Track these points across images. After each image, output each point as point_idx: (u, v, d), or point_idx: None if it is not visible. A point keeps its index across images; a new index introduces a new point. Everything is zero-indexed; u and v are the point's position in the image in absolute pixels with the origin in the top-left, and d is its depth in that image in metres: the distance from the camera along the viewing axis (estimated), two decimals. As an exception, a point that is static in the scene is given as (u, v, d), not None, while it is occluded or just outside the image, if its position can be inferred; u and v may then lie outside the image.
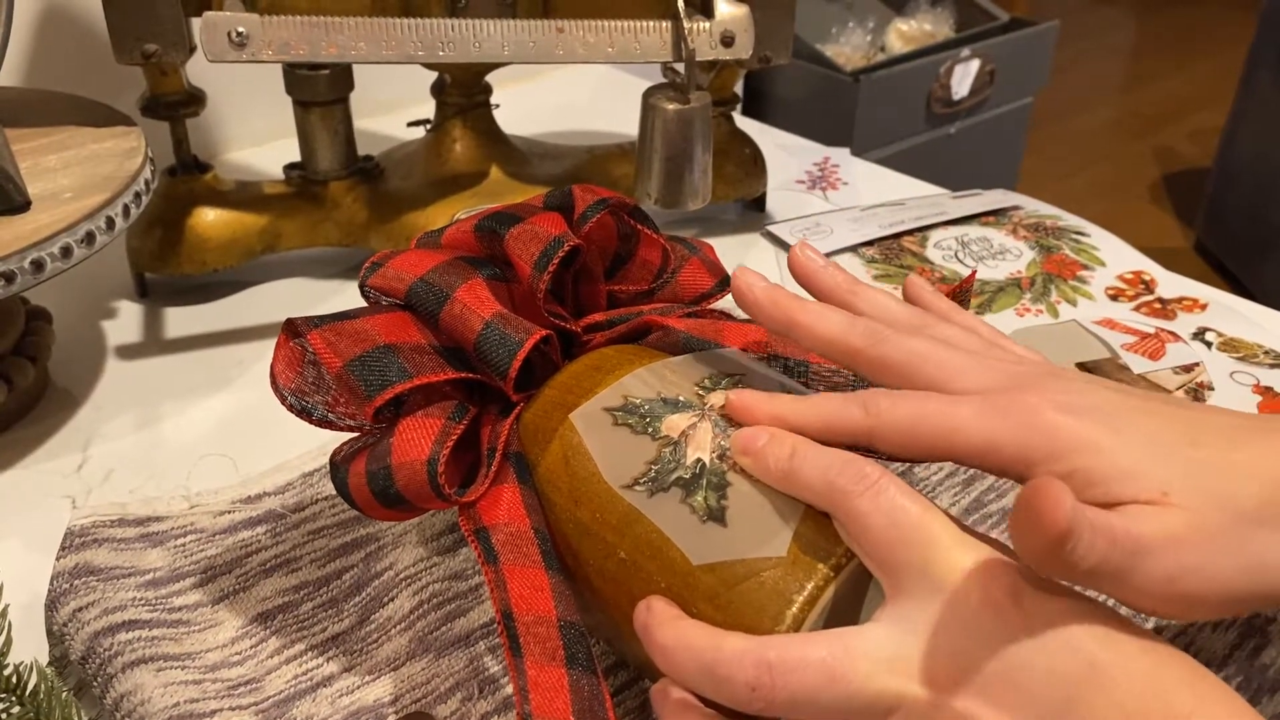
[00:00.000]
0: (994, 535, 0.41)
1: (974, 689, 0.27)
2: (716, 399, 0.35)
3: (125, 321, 0.63)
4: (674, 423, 0.34)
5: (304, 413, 0.37)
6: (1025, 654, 0.27)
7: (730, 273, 0.39)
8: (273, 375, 0.37)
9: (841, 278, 0.38)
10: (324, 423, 0.37)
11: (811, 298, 0.37)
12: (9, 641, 0.35)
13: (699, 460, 0.33)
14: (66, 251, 0.47)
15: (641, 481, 0.33)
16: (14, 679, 0.34)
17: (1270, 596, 0.29)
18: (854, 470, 0.30)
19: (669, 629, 0.31)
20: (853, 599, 0.31)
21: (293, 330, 0.36)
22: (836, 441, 0.33)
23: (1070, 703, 0.27)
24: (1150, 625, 0.41)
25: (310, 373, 0.37)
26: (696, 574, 0.32)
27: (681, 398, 0.35)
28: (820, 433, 0.33)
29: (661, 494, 0.33)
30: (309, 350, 0.36)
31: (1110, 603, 0.33)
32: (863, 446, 0.33)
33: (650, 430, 0.34)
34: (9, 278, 0.45)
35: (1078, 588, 0.29)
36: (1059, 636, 0.27)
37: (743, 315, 0.42)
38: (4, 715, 0.34)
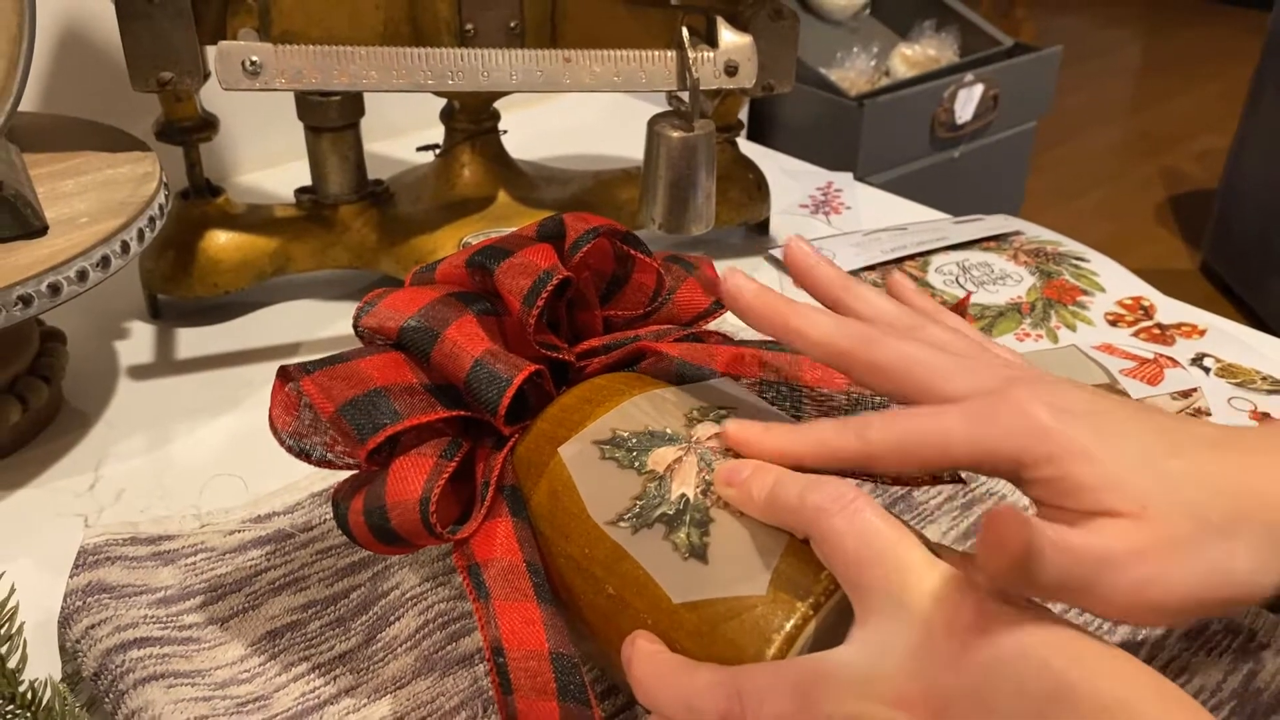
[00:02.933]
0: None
1: (943, 711, 0.28)
2: (703, 431, 0.36)
3: (138, 342, 0.64)
4: (660, 456, 0.35)
5: (303, 454, 0.38)
6: (993, 675, 0.28)
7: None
8: (271, 420, 0.38)
9: (834, 274, 0.38)
10: (323, 462, 0.38)
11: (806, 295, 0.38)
12: (24, 658, 0.35)
13: (683, 495, 0.33)
14: (82, 275, 0.48)
15: (626, 518, 0.34)
16: (29, 694, 0.34)
17: (1233, 601, 0.31)
18: (831, 490, 0.31)
19: (647, 663, 0.31)
20: (833, 634, 0.31)
21: (286, 376, 0.37)
22: (834, 470, 0.33)
23: None
24: (1125, 636, 0.42)
25: (307, 415, 0.38)
26: (680, 612, 0.32)
27: (669, 430, 0.35)
28: (818, 462, 0.33)
29: (645, 530, 0.33)
30: (303, 395, 0.37)
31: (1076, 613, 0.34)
32: (863, 472, 0.33)
33: (636, 464, 0.35)
34: (27, 300, 0.46)
35: (1049, 604, 0.30)
36: (1027, 656, 0.28)
37: (738, 336, 0.43)
38: (18, 731, 0.34)
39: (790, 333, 0.35)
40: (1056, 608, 0.43)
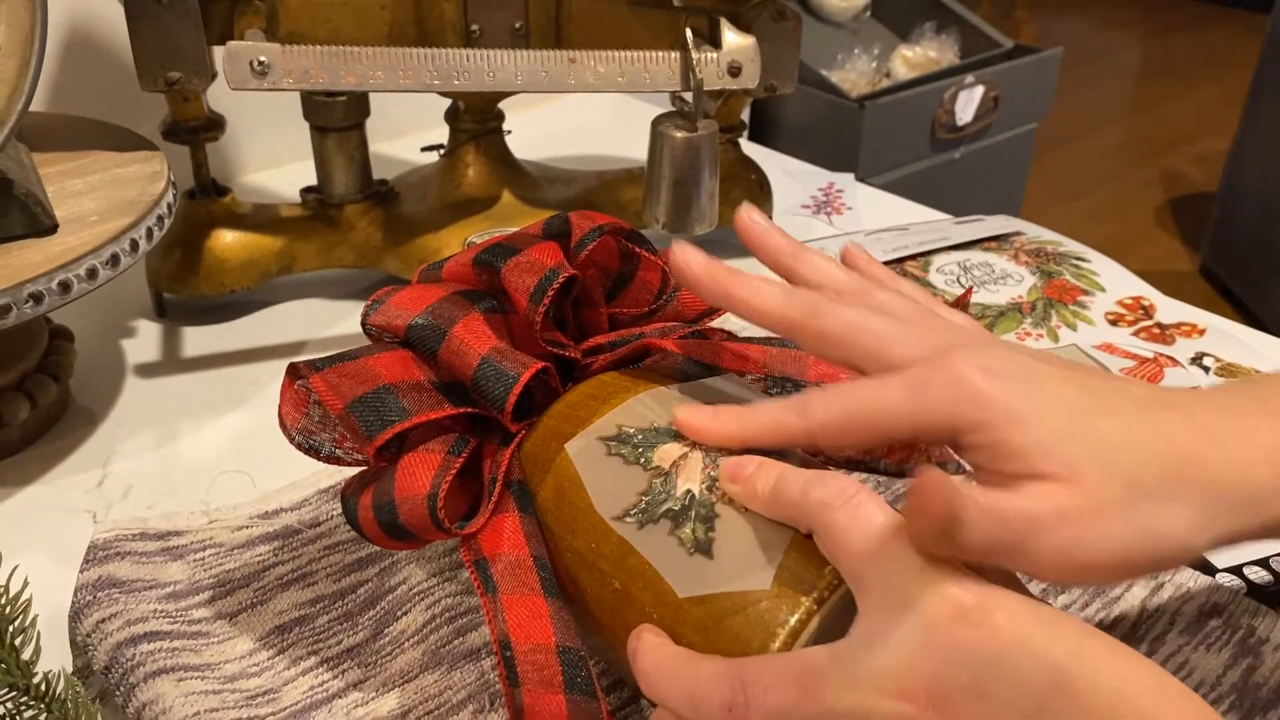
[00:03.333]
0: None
1: (944, 703, 0.28)
2: None
3: (144, 341, 0.64)
4: (666, 453, 0.35)
5: (312, 450, 0.39)
6: (994, 667, 0.28)
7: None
8: (280, 417, 0.38)
9: (784, 242, 0.38)
10: (332, 459, 0.39)
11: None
12: (37, 650, 0.36)
13: (689, 491, 0.34)
14: (92, 273, 0.49)
15: (632, 513, 0.34)
16: (42, 686, 0.35)
17: (1161, 561, 0.31)
18: (834, 486, 0.31)
19: (651, 655, 0.32)
20: (837, 628, 0.31)
21: (296, 373, 0.38)
22: (782, 447, 0.34)
23: (1040, 713, 0.27)
24: (1125, 631, 0.42)
25: (316, 412, 0.38)
26: (685, 606, 0.32)
27: (674, 427, 0.36)
28: (765, 442, 0.34)
29: (651, 526, 0.34)
30: (313, 392, 0.37)
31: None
32: (809, 450, 0.34)
33: (642, 461, 0.35)
34: (38, 298, 0.47)
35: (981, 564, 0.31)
36: (1027, 647, 0.28)
37: (742, 334, 0.43)
38: (32, 722, 0.35)
39: (736, 303, 0.36)
40: (1059, 599, 0.43)
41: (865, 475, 0.42)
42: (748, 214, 0.39)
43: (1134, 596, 0.44)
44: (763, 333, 0.39)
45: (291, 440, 0.38)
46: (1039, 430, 0.31)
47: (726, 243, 0.75)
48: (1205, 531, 0.31)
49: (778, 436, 0.34)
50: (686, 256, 0.37)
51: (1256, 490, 0.31)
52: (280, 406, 0.38)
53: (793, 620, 0.31)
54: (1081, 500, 0.30)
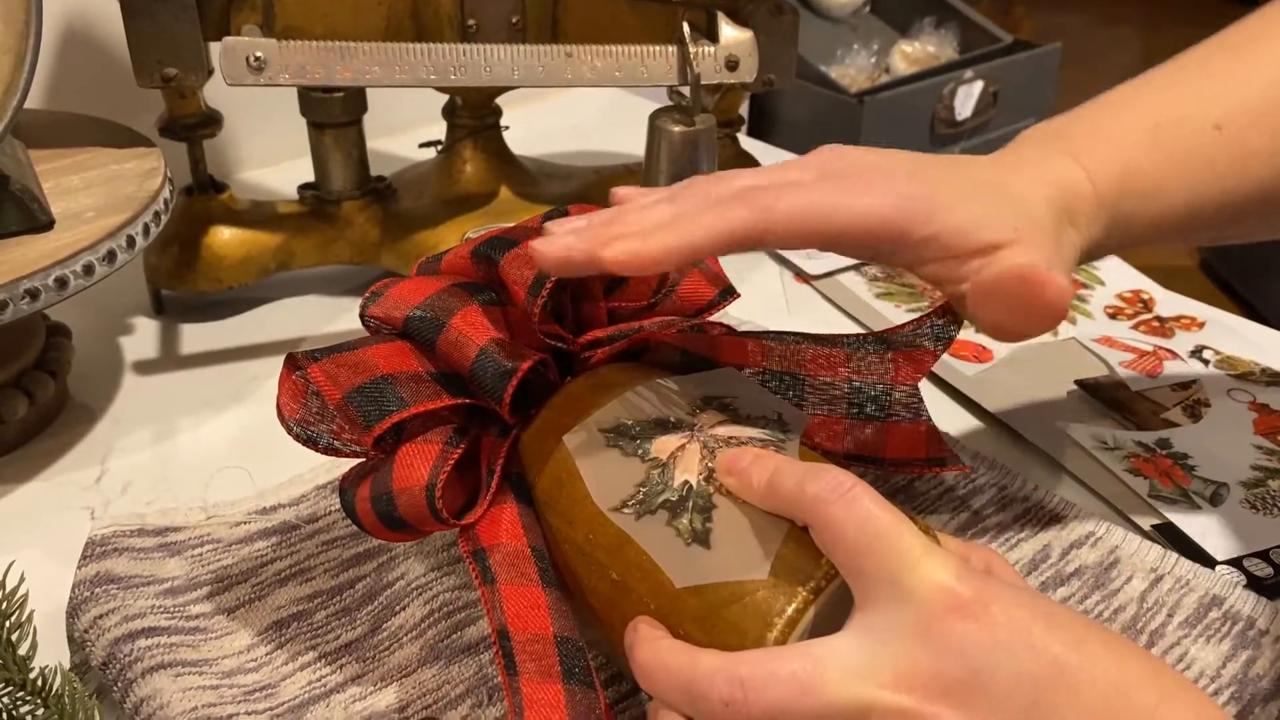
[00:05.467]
0: (993, 546, 0.42)
1: (942, 695, 0.28)
2: (707, 420, 0.36)
3: (142, 337, 0.64)
4: (663, 444, 0.35)
5: (310, 442, 0.39)
6: (992, 658, 0.28)
7: (723, 279, 0.42)
8: (279, 408, 0.38)
9: (594, 221, 0.35)
10: (330, 450, 0.39)
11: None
12: (34, 646, 0.36)
13: (686, 483, 0.34)
14: (89, 269, 0.49)
15: (629, 504, 0.34)
16: (39, 682, 0.35)
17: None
18: (830, 479, 0.31)
19: (648, 648, 0.32)
20: (834, 618, 0.31)
21: (294, 364, 0.38)
22: (737, 249, 0.34)
23: (1037, 705, 0.27)
24: (1124, 623, 0.42)
25: (314, 403, 0.38)
26: (682, 596, 0.32)
27: (672, 419, 0.36)
28: (712, 247, 0.34)
29: (649, 516, 0.34)
30: (311, 383, 0.37)
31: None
32: (755, 242, 0.34)
33: (640, 452, 0.35)
34: (34, 294, 0.47)
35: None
36: (1025, 640, 0.28)
37: (740, 328, 0.43)
38: (29, 718, 0.35)
39: (643, 242, 0.33)
40: (1058, 592, 0.43)
41: (861, 471, 0.42)
42: (545, 244, 0.34)
43: (1133, 589, 0.44)
44: (760, 328, 0.39)
45: (290, 431, 0.38)
46: (968, 208, 0.37)
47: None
48: (1081, 243, 0.39)
49: (729, 234, 0.34)
50: (542, 251, 0.33)
51: (1106, 199, 0.40)
52: (278, 398, 0.38)
53: (789, 610, 0.31)
54: (1036, 255, 0.36)
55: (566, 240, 0.33)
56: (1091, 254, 0.41)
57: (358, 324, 0.40)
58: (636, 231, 0.33)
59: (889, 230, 0.36)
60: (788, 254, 0.71)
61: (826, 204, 0.35)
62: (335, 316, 0.66)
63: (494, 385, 0.36)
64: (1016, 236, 0.36)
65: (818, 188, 0.36)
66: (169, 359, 0.63)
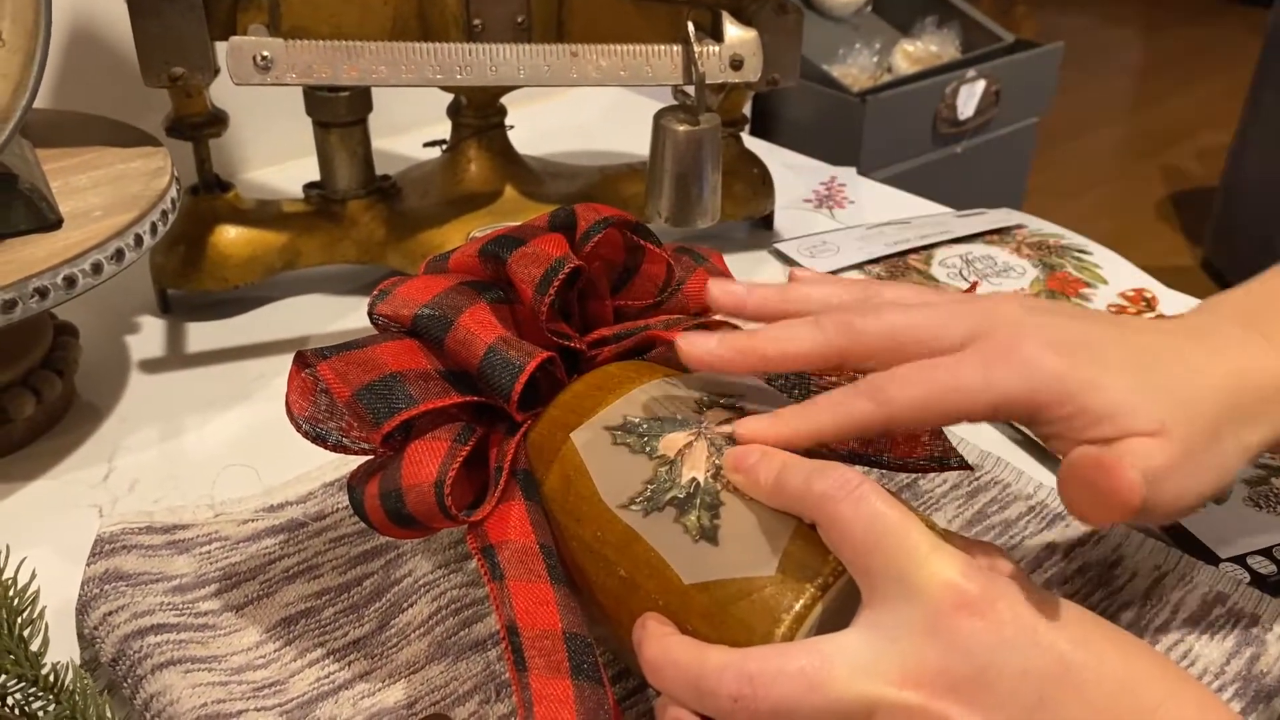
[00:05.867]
0: (998, 544, 0.42)
1: (949, 691, 0.28)
2: (713, 417, 0.36)
3: (148, 336, 0.65)
4: (671, 442, 0.35)
5: (319, 439, 0.39)
6: (998, 655, 0.28)
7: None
8: (288, 405, 0.38)
9: (766, 293, 0.38)
10: (339, 447, 0.39)
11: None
12: (46, 642, 0.36)
13: (694, 480, 0.34)
14: (97, 268, 0.49)
15: (637, 501, 0.34)
16: (51, 677, 0.35)
17: (1228, 487, 0.37)
18: (836, 476, 0.31)
19: (657, 645, 0.32)
20: (841, 614, 0.32)
21: (303, 361, 0.38)
22: (854, 437, 0.35)
23: (1043, 701, 0.28)
24: (1129, 619, 0.42)
25: (323, 401, 0.38)
26: (690, 593, 0.33)
27: (679, 416, 0.36)
28: (835, 435, 0.34)
29: (656, 514, 0.34)
30: (320, 380, 0.37)
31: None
32: (882, 435, 0.34)
33: (648, 449, 0.35)
34: (43, 293, 0.47)
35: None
36: (1031, 637, 0.28)
37: (746, 328, 0.43)
38: (41, 713, 0.35)
39: (773, 361, 0.36)
40: (1062, 589, 0.43)
41: (866, 470, 0.42)
42: (716, 289, 0.38)
43: (1136, 587, 0.44)
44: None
45: (299, 429, 0.38)
46: (1117, 393, 0.33)
47: (728, 237, 0.76)
48: (1252, 452, 0.35)
49: (852, 425, 0.34)
50: (704, 348, 0.36)
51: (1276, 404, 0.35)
52: (288, 395, 0.38)
53: (797, 606, 0.31)
54: (1178, 450, 0.33)
55: (710, 347, 0.36)
56: (1268, 450, 0.36)
57: (363, 323, 0.41)
58: (775, 356, 0.35)
59: (1017, 412, 0.34)
60: (791, 254, 0.72)
61: (950, 390, 0.33)
62: (341, 315, 0.67)
63: (502, 383, 0.36)
64: (1161, 429, 0.33)
65: (945, 368, 0.33)
66: (175, 358, 0.63)
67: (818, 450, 0.38)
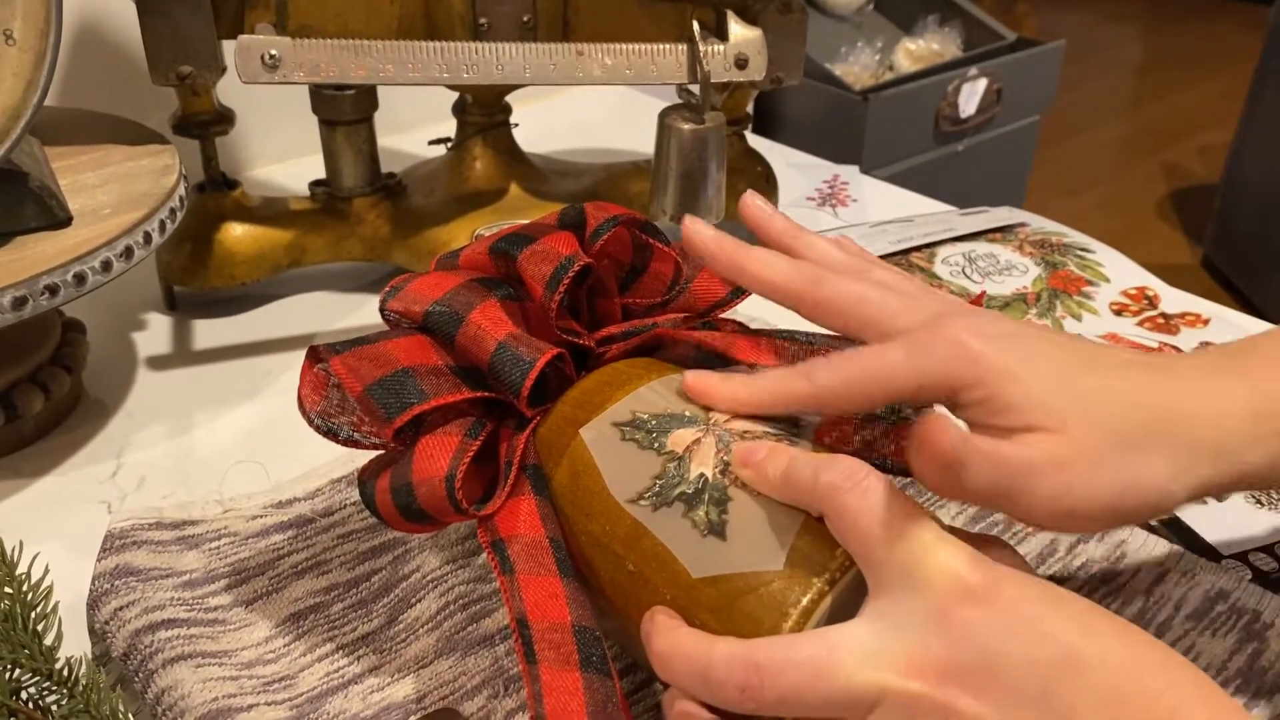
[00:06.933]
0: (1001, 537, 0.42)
1: (955, 680, 0.29)
2: (721, 414, 0.36)
3: (155, 334, 0.65)
4: (679, 437, 0.35)
5: (331, 434, 0.39)
6: (1004, 644, 0.29)
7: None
8: (300, 400, 0.39)
9: (786, 224, 0.40)
10: (350, 442, 0.39)
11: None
12: (59, 637, 0.36)
13: (702, 475, 0.34)
14: (106, 265, 0.49)
15: (646, 496, 0.35)
16: (65, 672, 0.35)
17: (1147, 510, 0.34)
18: (844, 468, 0.32)
19: (665, 637, 0.32)
20: (849, 608, 0.32)
21: (316, 356, 0.38)
22: (789, 412, 0.36)
23: (1048, 689, 0.28)
24: (1133, 615, 0.43)
25: (335, 395, 0.39)
26: (698, 587, 0.33)
27: (687, 413, 0.36)
28: (772, 407, 0.36)
29: (665, 508, 0.34)
30: (332, 375, 0.38)
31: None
32: (813, 411, 0.36)
33: (656, 445, 0.36)
34: (53, 290, 0.47)
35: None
36: (1036, 626, 0.29)
37: (753, 325, 0.43)
38: (55, 708, 0.35)
39: (745, 274, 0.38)
40: (1065, 585, 0.44)
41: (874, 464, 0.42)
42: (751, 199, 0.41)
43: (1139, 583, 0.45)
44: (775, 323, 0.39)
45: (310, 423, 0.38)
46: (1030, 385, 0.33)
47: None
48: (1184, 481, 0.33)
49: (785, 400, 0.36)
50: (697, 229, 0.39)
51: (1231, 442, 0.34)
52: (300, 389, 0.38)
53: (805, 600, 0.31)
54: (1071, 449, 0.32)
55: (706, 235, 0.39)
56: (1200, 494, 0.34)
57: (369, 320, 0.41)
58: (749, 272, 0.38)
59: (938, 393, 0.34)
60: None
61: (874, 372, 0.34)
62: (347, 312, 0.67)
63: (512, 379, 0.36)
64: (1061, 428, 0.33)
65: (871, 353, 0.35)
66: (182, 355, 0.63)
67: (825, 449, 0.38)
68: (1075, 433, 0.33)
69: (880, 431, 0.42)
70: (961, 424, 0.33)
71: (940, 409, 0.35)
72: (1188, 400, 0.34)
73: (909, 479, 0.50)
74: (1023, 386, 0.33)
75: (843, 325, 0.37)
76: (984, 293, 0.60)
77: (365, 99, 0.65)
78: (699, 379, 0.37)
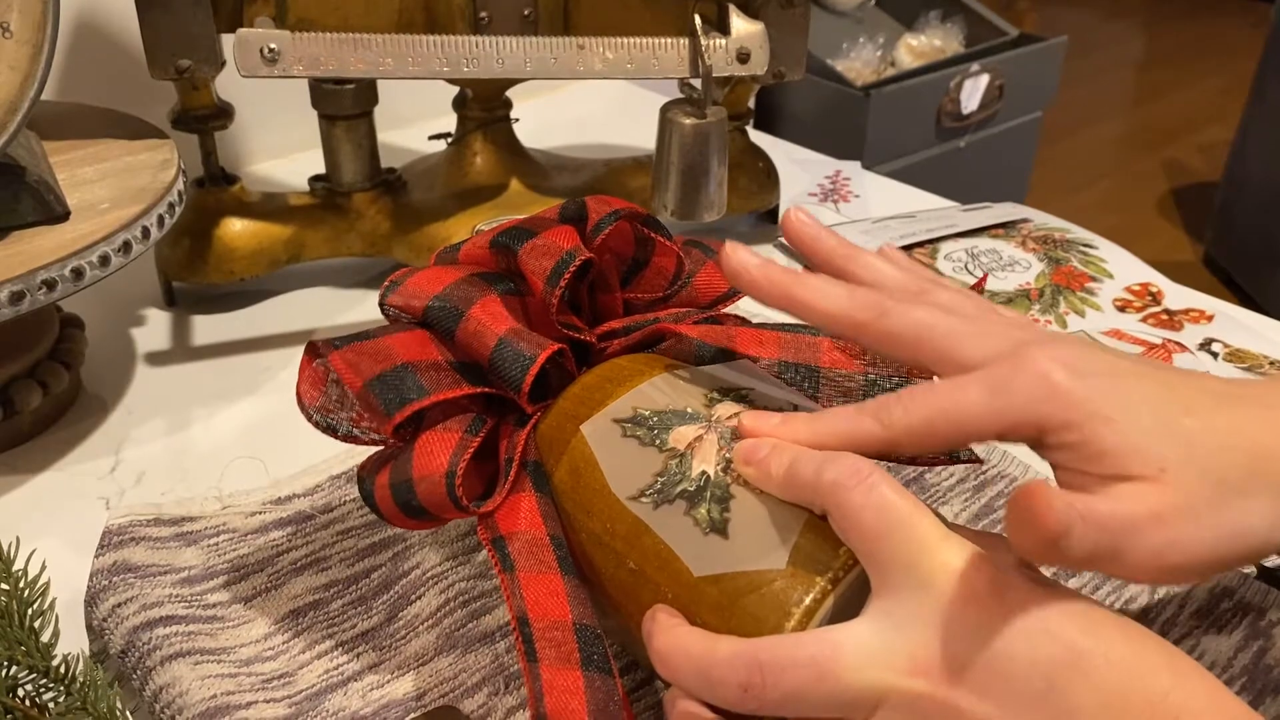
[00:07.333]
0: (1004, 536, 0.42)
1: (958, 679, 0.28)
2: (723, 411, 0.36)
3: (154, 329, 0.65)
4: (681, 435, 0.35)
5: (330, 430, 0.39)
6: (1007, 643, 0.28)
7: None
8: (299, 395, 0.38)
9: (836, 243, 0.38)
10: (349, 438, 0.39)
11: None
12: (56, 633, 0.36)
13: (704, 472, 0.34)
14: (105, 260, 0.49)
15: (647, 493, 0.34)
16: (62, 669, 0.35)
17: (1250, 557, 0.31)
18: (847, 465, 0.31)
19: (667, 635, 0.32)
20: (852, 607, 0.32)
21: (315, 352, 0.38)
22: (866, 454, 0.33)
23: (1052, 688, 0.28)
24: (1137, 611, 0.42)
25: (334, 391, 0.38)
26: (700, 585, 0.33)
27: (689, 409, 0.36)
28: (838, 449, 0.33)
29: (667, 506, 0.34)
30: (331, 371, 0.37)
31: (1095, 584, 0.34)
32: (885, 457, 0.33)
33: (658, 442, 0.35)
34: (51, 285, 0.47)
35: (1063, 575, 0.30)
36: (1040, 625, 0.28)
37: (755, 319, 0.43)
38: (52, 704, 0.35)
39: (798, 305, 0.35)
40: (1070, 582, 0.43)
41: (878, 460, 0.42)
42: (796, 216, 0.38)
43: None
44: (776, 317, 0.39)
45: (310, 419, 0.38)
46: (1126, 430, 0.30)
47: (733, 231, 0.76)
48: None
49: (854, 445, 0.33)
50: (742, 259, 0.36)
51: None
52: (298, 385, 0.38)
53: (808, 600, 0.31)
54: (1173, 501, 0.30)
55: (750, 264, 0.36)
56: None
57: (369, 315, 0.41)
58: (800, 302, 0.35)
59: (1024, 432, 0.31)
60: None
61: (953, 413, 0.31)
62: (347, 308, 0.67)
63: (513, 374, 0.36)
64: (1161, 476, 0.30)
65: (949, 391, 0.32)
66: (181, 350, 0.63)
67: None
68: (1175, 482, 0.30)
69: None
70: (1047, 467, 0.32)
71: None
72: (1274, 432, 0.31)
73: (910, 474, 0.49)
74: (1118, 431, 0.30)
75: (911, 358, 0.34)
76: (985, 275, 0.60)
77: (365, 93, 0.64)
78: (756, 421, 0.34)
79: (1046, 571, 0.44)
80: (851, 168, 0.86)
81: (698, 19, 0.58)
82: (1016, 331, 0.33)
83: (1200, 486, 0.30)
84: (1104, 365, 0.32)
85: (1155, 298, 0.66)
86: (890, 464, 0.45)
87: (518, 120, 0.70)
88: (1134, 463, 0.30)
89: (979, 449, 0.51)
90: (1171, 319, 0.64)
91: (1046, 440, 0.31)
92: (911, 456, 0.40)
